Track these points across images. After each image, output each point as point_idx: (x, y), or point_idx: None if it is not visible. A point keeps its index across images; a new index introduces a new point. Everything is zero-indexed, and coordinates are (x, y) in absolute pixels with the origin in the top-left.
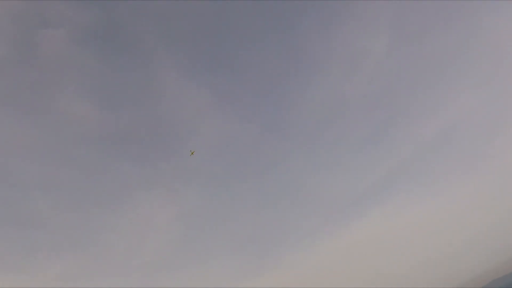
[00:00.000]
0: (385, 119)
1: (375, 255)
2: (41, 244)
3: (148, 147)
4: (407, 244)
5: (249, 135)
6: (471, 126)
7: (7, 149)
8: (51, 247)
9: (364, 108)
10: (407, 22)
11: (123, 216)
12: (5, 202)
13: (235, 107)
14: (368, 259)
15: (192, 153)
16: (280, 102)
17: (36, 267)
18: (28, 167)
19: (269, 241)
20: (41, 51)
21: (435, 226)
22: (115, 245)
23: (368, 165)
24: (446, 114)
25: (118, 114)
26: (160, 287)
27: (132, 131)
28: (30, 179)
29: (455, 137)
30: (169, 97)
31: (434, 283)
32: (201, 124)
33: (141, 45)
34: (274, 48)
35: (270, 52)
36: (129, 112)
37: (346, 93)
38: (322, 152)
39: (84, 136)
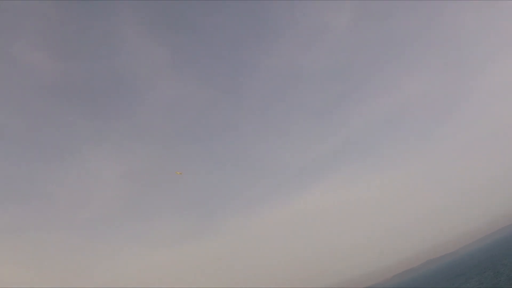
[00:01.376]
0: (339, 94)
1: (317, 227)
2: None
3: (101, 102)
4: (350, 219)
5: (203, 99)
6: (422, 109)
7: None
8: None
9: (319, 81)
10: (372, 3)
11: (71, 170)
12: None
13: (192, 69)
14: (310, 231)
15: (178, 173)
16: (237, 68)
17: None
18: None
19: (213, 205)
20: None
21: (378, 203)
22: (61, 199)
23: (318, 138)
24: (399, 95)
25: (73, 65)
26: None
27: (86, 83)
28: None
29: (405, 118)
30: (127, 52)
31: (369, 261)
32: (157, 83)
33: None
34: (236, 13)
35: (232, 17)
36: (85, 64)
37: (303, 65)
38: (274, 121)
39: (35, 85)
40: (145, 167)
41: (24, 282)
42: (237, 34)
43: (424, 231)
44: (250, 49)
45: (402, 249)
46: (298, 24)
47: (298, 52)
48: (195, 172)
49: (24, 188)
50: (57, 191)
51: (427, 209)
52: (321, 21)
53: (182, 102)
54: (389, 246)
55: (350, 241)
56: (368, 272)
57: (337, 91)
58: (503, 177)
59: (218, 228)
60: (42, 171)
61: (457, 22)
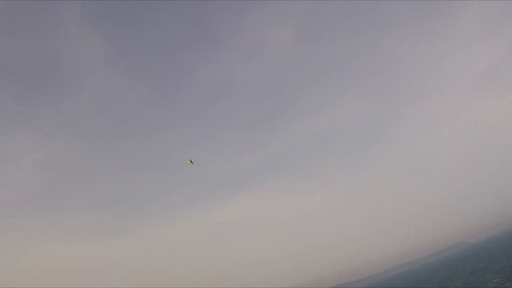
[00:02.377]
0: (272, 109)
1: (235, 238)
2: None
3: (29, 84)
4: (269, 233)
5: (135, 97)
6: (350, 133)
7: None
8: None
9: (254, 94)
10: (315, 24)
11: None
12: None
13: (128, 66)
14: (229, 240)
15: (189, 163)
16: (173, 71)
17: None
18: None
19: (134, 204)
20: None
21: (298, 220)
22: None
23: (246, 150)
24: (330, 116)
25: (3, 42)
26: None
27: (16, 63)
28: None
29: (334, 139)
30: (64, 38)
31: (285, 275)
32: (90, 75)
33: None
34: (180, 15)
35: (176, 18)
36: (16, 43)
37: (239, 76)
38: (203, 129)
39: None
40: (66, 158)
41: None
42: (178, 37)
43: (336, 254)
44: (189, 54)
45: (311, 270)
46: (240, 35)
47: (236, 63)
48: (119, 169)
49: None
50: None
51: (343, 231)
52: (263, 35)
53: (113, 98)
54: (300, 265)
55: (265, 255)
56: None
57: (270, 106)
58: (420, 207)
59: (137, 228)
60: None
61: (394, 55)
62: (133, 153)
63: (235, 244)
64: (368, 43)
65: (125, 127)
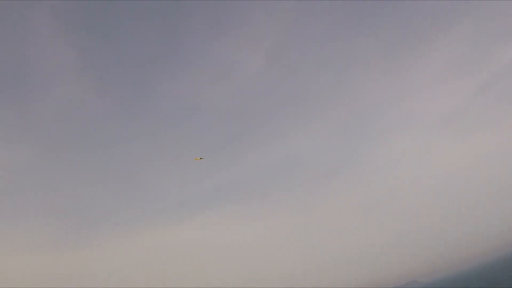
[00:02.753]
0: (237, 133)
1: (190, 260)
2: None
3: None
4: (224, 256)
5: (99, 110)
6: (311, 163)
7: None
8: None
9: (220, 118)
10: (286, 53)
11: None
12: None
13: (94, 78)
14: (183, 264)
15: (198, 159)
16: (138, 86)
17: None
18: None
19: (86, 219)
20: None
21: (252, 245)
22: None
23: (207, 174)
24: (293, 144)
25: None
26: None
27: None
28: None
29: (294, 168)
30: (31, 42)
31: None
32: (57, 83)
33: None
34: (153, 33)
35: (148, 35)
36: None
37: (205, 98)
38: (165, 149)
39: None
40: (23, 165)
41: None
42: (148, 54)
43: (287, 284)
44: (157, 72)
45: None
46: (210, 59)
47: (203, 85)
48: (76, 181)
49: None
50: None
51: (294, 263)
52: (234, 60)
53: (78, 108)
54: None
55: (218, 279)
56: None
57: (234, 131)
58: (373, 243)
59: (87, 243)
60: None
61: (363, 89)
62: (92, 165)
63: (189, 267)
64: (337, 76)
65: (86, 138)
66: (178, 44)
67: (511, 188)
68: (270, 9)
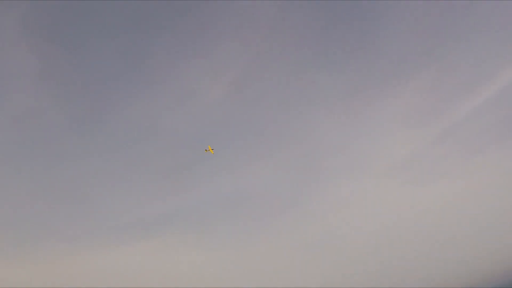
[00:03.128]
0: (192, 160)
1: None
2: None
3: None
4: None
5: (57, 121)
6: (262, 197)
7: None
8: None
9: (177, 143)
10: (249, 86)
11: None
12: None
13: (57, 88)
14: None
15: (208, 151)
16: (100, 102)
17: None
18: None
19: (27, 231)
20: None
21: (194, 278)
22: None
23: (155, 199)
24: (247, 177)
25: None
26: None
27: None
28: None
29: (241, 201)
30: None
31: None
32: (16, 91)
33: None
34: (119, 49)
35: (114, 51)
36: None
37: (165, 123)
38: (118, 169)
39: None
40: None
41: None
42: (111, 70)
43: None
44: (118, 88)
45: None
46: (173, 82)
47: (164, 109)
48: (22, 192)
49: None
50: None
51: None
52: (196, 87)
53: (34, 119)
54: None
55: None
56: None
57: (189, 157)
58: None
59: (25, 257)
60: None
61: (321, 129)
62: (42, 178)
63: None
64: (296, 112)
65: (40, 150)
66: (142, 64)
67: (460, 238)
68: (238, 40)
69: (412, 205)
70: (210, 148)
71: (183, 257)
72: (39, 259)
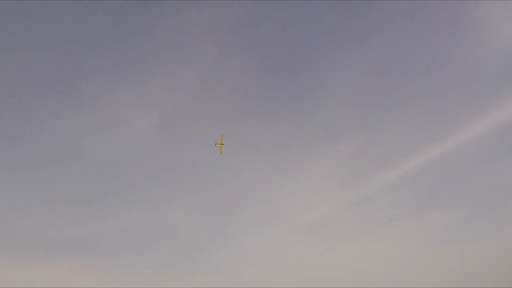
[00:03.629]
0: (107, 190)
1: None
2: None
3: None
4: None
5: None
6: (175, 236)
7: None
8: None
9: (98, 170)
10: (177, 122)
11: None
12: None
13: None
14: None
15: (218, 144)
16: (22, 116)
17: None
18: None
19: None
20: None
21: None
22: None
23: (66, 224)
24: (158, 216)
25: None
26: None
27: None
28: None
29: (152, 240)
30: None
31: None
32: None
33: None
34: (53, 62)
35: (47, 62)
36: None
37: (88, 149)
38: (31, 189)
39: None
40: None
41: None
42: (41, 82)
43: None
44: (45, 104)
45: None
46: (103, 105)
47: (88, 133)
48: None
49: None
50: None
51: None
52: (127, 113)
53: None
54: None
55: None
56: None
57: (105, 187)
58: None
59: None
60: None
61: (244, 176)
62: None
63: None
64: (221, 158)
65: None
66: (73, 82)
67: None
68: (176, 75)
69: (324, 264)
70: (220, 142)
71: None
72: None
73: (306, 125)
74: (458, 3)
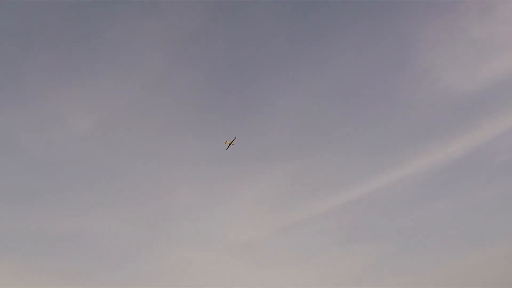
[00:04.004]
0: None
1: None
2: None
3: None
4: None
5: None
6: (97, 247)
7: None
8: None
9: (31, 166)
10: (120, 126)
11: None
12: None
13: None
14: None
15: (229, 143)
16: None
17: None
18: None
19: None
20: None
21: None
22: None
23: None
24: (79, 220)
25: None
26: None
27: None
28: None
29: (77, 247)
30: None
31: None
32: None
33: None
34: None
35: None
36: None
37: (21, 143)
38: None
39: None
40: None
41: None
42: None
43: None
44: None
45: None
46: (36, 100)
47: (19, 128)
48: None
49: None
50: None
51: None
52: (62, 111)
53: None
54: None
55: None
56: None
57: (32, 184)
58: None
59: None
60: None
61: (173, 192)
62: None
63: None
64: (157, 169)
65: None
66: (13, 79)
67: None
68: (119, 81)
69: (250, 286)
70: (231, 142)
71: None
72: None
73: (246, 146)
74: (407, 49)
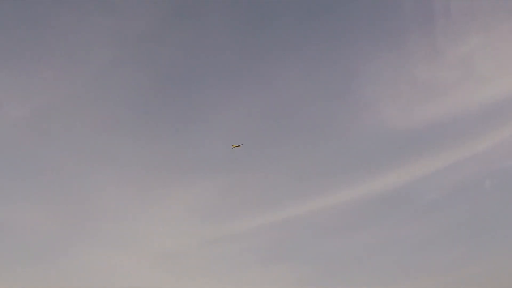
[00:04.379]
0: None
1: None
2: None
3: None
4: None
5: None
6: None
7: None
8: None
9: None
10: (57, 117)
11: None
12: None
13: None
14: None
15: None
16: None
17: None
18: None
19: None
20: None
21: None
22: None
23: None
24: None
25: None
26: None
27: None
28: None
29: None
30: None
31: None
32: None
33: None
34: None
35: None
36: None
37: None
38: None
39: None
40: None
41: None
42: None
43: None
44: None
45: None
46: None
47: None
48: None
49: None
50: None
51: None
52: None
53: None
54: None
55: None
56: None
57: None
58: None
59: None
60: None
61: (99, 196)
62: None
63: None
64: (83, 171)
65: None
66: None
67: None
68: (59, 72)
69: None
70: (237, 146)
71: None
72: None
73: (182, 154)
74: (350, 80)
